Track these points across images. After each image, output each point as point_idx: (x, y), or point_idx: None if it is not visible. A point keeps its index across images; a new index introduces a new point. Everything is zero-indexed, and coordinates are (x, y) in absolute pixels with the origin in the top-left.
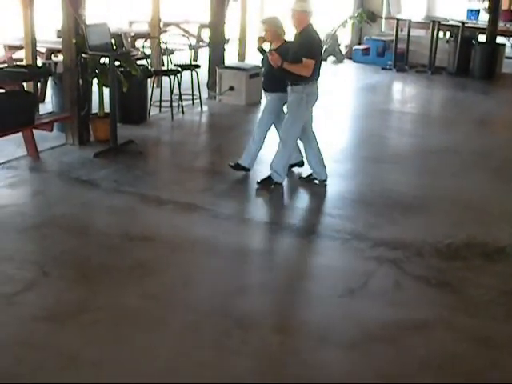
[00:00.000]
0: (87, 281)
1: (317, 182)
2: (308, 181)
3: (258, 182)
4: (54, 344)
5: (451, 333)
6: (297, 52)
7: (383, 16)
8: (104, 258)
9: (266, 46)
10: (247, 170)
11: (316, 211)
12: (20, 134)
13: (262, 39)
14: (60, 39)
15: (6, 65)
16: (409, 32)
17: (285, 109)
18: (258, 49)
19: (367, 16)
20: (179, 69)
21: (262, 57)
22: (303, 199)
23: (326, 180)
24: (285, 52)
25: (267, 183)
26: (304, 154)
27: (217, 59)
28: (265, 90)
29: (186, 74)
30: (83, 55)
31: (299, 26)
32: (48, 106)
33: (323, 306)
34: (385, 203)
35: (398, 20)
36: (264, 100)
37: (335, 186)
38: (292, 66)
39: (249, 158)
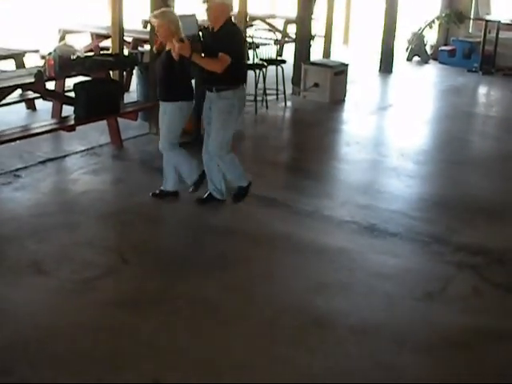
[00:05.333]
0: (167, 270)
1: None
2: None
3: (234, 198)
4: (132, 330)
5: None
6: (214, 47)
7: (471, 17)
8: (184, 248)
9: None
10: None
11: (397, 212)
12: (104, 122)
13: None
14: (146, 29)
15: (93, 53)
16: (497, 34)
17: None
18: (155, 51)
19: (455, 16)
20: (265, 63)
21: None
22: (384, 200)
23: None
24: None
25: (241, 197)
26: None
27: (302, 55)
28: (163, 100)
29: (271, 69)
30: None
31: (218, 22)
32: (132, 95)
33: (401, 309)
34: (466, 207)
35: (486, 21)
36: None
37: (416, 188)
38: (203, 58)
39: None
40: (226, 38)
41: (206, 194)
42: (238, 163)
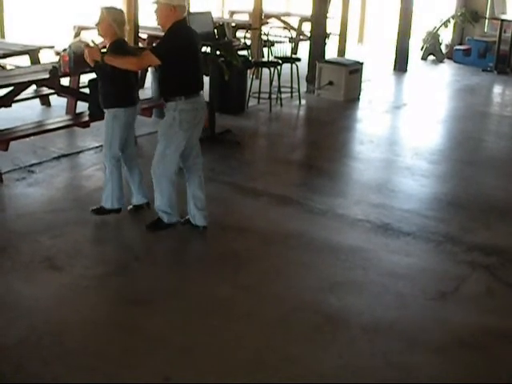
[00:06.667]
0: (179, 268)
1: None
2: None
3: (146, 227)
4: (143, 328)
5: None
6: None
7: (487, 16)
8: (197, 245)
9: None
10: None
11: (411, 212)
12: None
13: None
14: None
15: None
16: None
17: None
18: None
19: (470, 16)
20: (279, 61)
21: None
22: (398, 199)
23: (203, 226)
24: (117, 50)
25: (158, 227)
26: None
27: (317, 53)
28: (102, 107)
29: (286, 67)
30: None
31: (165, 24)
32: (147, 92)
33: (414, 308)
34: (480, 207)
35: (502, 21)
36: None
37: (430, 188)
38: (117, 58)
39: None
40: (166, 38)
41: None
42: (171, 197)
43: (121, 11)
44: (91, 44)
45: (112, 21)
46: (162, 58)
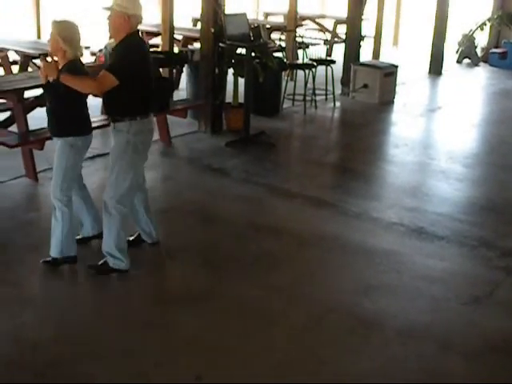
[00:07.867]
0: (212, 267)
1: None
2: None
3: (89, 267)
4: (175, 327)
5: None
6: (108, 65)
7: None
8: (230, 246)
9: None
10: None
11: (445, 216)
12: (153, 119)
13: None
14: (196, 27)
15: None
16: None
17: None
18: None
19: (507, 18)
20: (314, 63)
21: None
22: (432, 202)
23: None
24: (73, 72)
25: (104, 270)
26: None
27: (352, 56)
28: (52, 135)
29: (321, 69)
30: (220, 44)
31: (117, 35)
32: (181, 92)
33: (447, 312)
34: None
35: None
36: None
37: (465, 192)
38: (74, 79)
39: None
40: (120, 54)
41: (136, 234)
42: (121, 231)
43: (72, 25)
44: (49, 59)
45: (58, 36)
46: (119, 77)
